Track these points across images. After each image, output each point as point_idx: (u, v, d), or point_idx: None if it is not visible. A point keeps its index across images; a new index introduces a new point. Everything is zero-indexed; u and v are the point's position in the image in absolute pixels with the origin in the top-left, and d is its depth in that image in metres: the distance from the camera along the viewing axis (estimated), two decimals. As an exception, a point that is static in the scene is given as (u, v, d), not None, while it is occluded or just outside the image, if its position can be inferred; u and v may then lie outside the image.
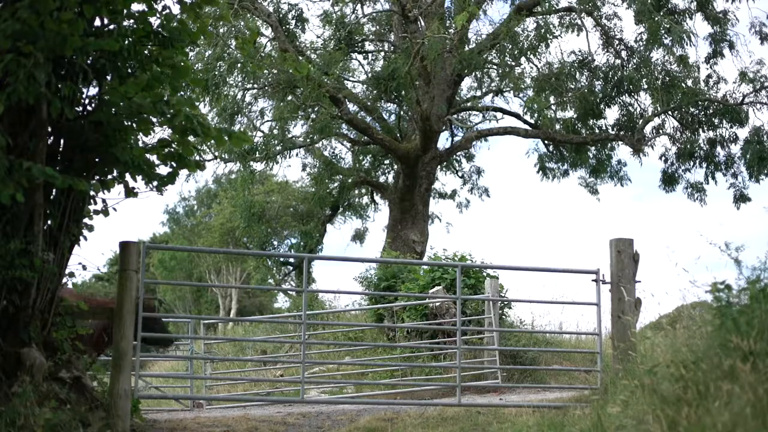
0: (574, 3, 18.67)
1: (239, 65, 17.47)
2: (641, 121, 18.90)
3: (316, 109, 18.73)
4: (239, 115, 19.45)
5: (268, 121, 20.26)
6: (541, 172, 21.14)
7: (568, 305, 11.78)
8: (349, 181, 21.61)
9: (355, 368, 12.03)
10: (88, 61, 6.08)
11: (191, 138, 6.39)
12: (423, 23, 17.78)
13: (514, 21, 17.30)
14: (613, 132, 19.57)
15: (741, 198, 19.13)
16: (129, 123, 6.25)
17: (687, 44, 17.63)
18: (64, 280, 6.62)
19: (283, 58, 16.64)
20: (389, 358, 11.85)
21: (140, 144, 6.52)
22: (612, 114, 20.24)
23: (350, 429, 7.21)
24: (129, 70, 6.27)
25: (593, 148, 20.19)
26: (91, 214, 6.60)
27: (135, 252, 6.80)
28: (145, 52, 6.31)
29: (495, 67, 19.91)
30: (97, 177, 6.44)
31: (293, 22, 19.31)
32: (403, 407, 8.05)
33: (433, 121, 17.75)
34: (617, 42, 18.84)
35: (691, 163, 19.51)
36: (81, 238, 6.55)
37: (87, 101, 6.34)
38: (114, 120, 6.12)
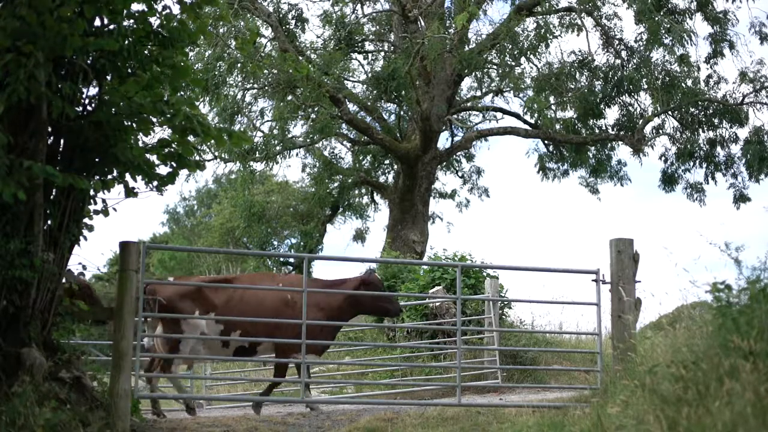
0: (574, 3, 18.67)
1: (239, 65, 17.48)
2: (641, 121, 18.89)
3: (316, 109, 18.72)
4: (239, 115, 19.45)
5: (268, 121, 20.26)
6: (541, 172, 21.14)
7: (568, 305, 11.77)
8: (349, 181, 21.60)
9: (355, 368, 12.02)
10: (88, 61, 6.08)
11: (191, 138, 6.39)
12: (423, 23, 17.78)
13: (514, 21, 17.31)
14: (613, 132, 19.56)
15: (741, 198, 19.14)
16: (129, 123, 6.25)
17: (687, 44, 17.68)
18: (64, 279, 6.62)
19: (283, 58, 16.65)
20: (389, 358, 11.84)
21: (140, 144, 6.51)
22: (612, 114, 20.27)
23: (350, 429, 7.19)
24: (129, 70, 6.26)
25: (593, 148, 20.18)
26: (91, 214, 6.59)
27: (135, 252, 6.79)
28: (145, 52, 6.30)
29: (495, 67, 19.90)
30: (97, 177, 6.44)
31: (293, 22, 19.33)
32: (403, 407, 8.04)
33: (433, 121, 17.75)
34: (617, 42, 18.85)
35: (691, 163, 19.54)
36: (81, 238, 6.54)
37: (87, 101, 6.34)
38: (114, 120, 6.12)
